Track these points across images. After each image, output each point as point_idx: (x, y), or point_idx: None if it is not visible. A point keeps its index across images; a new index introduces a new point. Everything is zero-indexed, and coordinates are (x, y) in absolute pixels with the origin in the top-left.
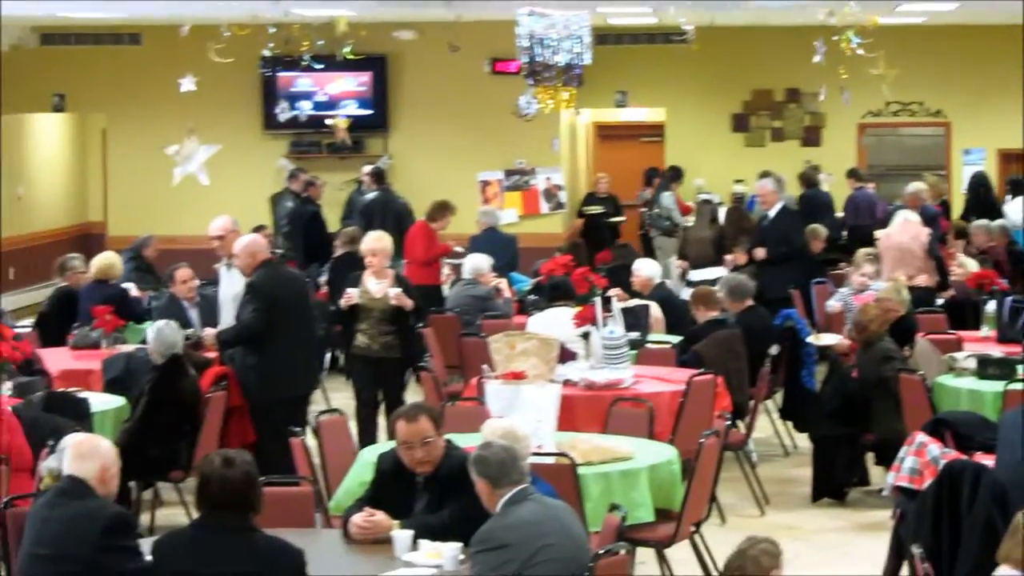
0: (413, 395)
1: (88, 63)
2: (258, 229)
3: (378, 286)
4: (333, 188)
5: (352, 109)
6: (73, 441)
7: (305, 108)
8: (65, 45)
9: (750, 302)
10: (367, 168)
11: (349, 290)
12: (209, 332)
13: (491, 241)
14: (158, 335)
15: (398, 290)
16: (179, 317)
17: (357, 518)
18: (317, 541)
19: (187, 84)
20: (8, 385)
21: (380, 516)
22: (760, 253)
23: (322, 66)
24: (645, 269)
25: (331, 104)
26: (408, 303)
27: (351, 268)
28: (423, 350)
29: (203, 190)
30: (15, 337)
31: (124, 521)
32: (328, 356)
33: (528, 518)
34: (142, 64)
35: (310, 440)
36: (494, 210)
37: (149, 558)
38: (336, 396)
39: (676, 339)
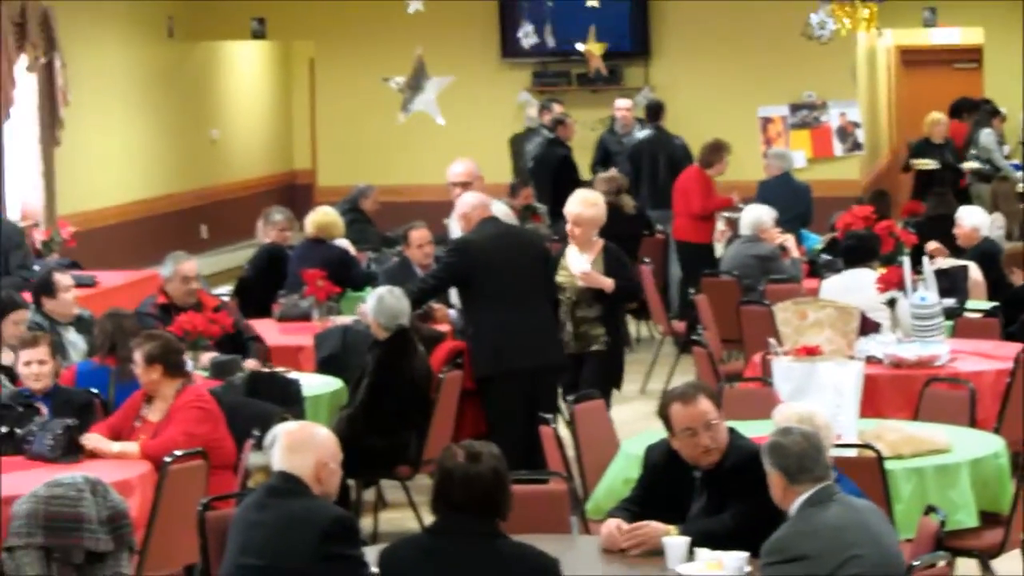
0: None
1: None
2: (517, 188)
3: (580, 260)
4: (584, 127)
5: (606, 32)
6: (285, 431)
7: (552, 31)
8: None
9: None
10: (622, 102)
11: None
12: None
13: (784, 190)
14: (380, 304)
15: (585, 266)
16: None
17: (611, 523)
18: (573, 549)
19: (414, 3)
20: (205, 362)
21: (650, 524)
22: None
23: None
24: (971, 218)
25: (582, 26)
26: (605, 283)
27: (612, 222)
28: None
29: (429, 131)
30: (217, 308)
31: (347, 525)
32: None
33: (832, 523)
34: None
35: (562, 429)
36: (787, 152)
37: (375, 569)
38: None
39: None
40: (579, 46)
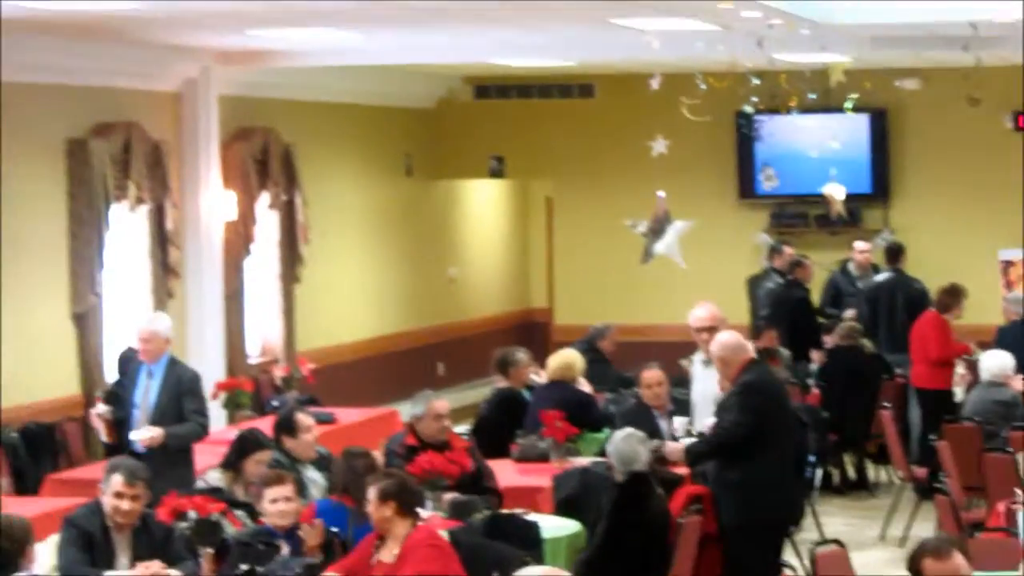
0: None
1: (531, 120)
2: (760, 330)
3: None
4: (823, 268)
5: (846, 174)
6: (528, 574)
7: (790, 174)
8: (504, 99)
9: None
10: (860, 245)
11: None
12: (673, 448)
13: (1023, 335)
14: (617, 447)
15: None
16: (646, 427)
17: None
18: None
19: (659, 147)
20: (445, 503)
21: None
22: None
23: (810, 123)
24: None
25: (821, 169)
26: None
27: (852, 365)
28: None
29: (666, 271)
30: (469, 448)
31: None
32: (820, 473)
33: None
34: (595, 121)
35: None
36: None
37: None
38: (831, 522)
39: None
40: (823, 190)
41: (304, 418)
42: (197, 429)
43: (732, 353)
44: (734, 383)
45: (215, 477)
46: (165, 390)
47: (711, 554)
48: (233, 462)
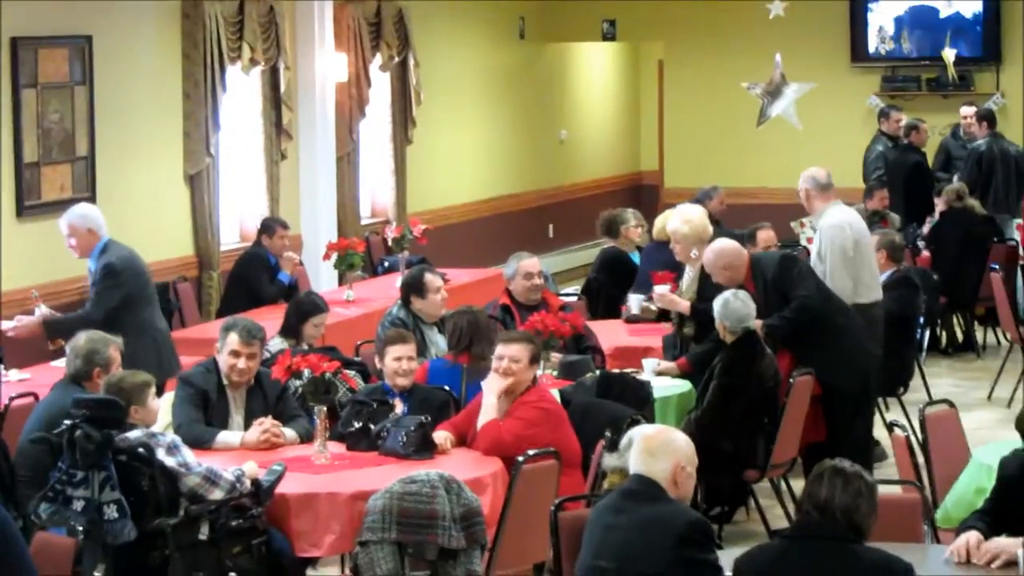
0: None
1: None
2: (872, 192)
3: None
4: (935, 132)
5: (959, 37)
6: (643, 435)
7: (903, 36)
8: None
9: None
10: (967, 109)
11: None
12: (756, 325)
13: None
14: (725, 307)
15: (663, 289)
16: None
17: (970, 537)
18: (926, 559)
19: (776, 8)
20: (554, 363)
21: (1001, 540)
22: None
23: None
24: None
25: (935, 31)
26: (681, 305)
27: (959, 229)
28: None
29: (777, 134)
30: (563, 308)
31: (702, 530)
32: (927, 335)
33: None
34: None
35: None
36: None
37: (729, 574)
38: (939, 383)
39: None
40: (944, 52)
41: (433, 279)
42: (80, 315)
43: (737, 259)
44: (752, 281)
45: (277, 343)
46: (93, 280)
47: (815, 414)
48: (293, 327)
